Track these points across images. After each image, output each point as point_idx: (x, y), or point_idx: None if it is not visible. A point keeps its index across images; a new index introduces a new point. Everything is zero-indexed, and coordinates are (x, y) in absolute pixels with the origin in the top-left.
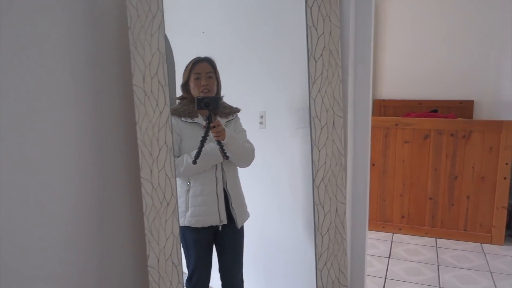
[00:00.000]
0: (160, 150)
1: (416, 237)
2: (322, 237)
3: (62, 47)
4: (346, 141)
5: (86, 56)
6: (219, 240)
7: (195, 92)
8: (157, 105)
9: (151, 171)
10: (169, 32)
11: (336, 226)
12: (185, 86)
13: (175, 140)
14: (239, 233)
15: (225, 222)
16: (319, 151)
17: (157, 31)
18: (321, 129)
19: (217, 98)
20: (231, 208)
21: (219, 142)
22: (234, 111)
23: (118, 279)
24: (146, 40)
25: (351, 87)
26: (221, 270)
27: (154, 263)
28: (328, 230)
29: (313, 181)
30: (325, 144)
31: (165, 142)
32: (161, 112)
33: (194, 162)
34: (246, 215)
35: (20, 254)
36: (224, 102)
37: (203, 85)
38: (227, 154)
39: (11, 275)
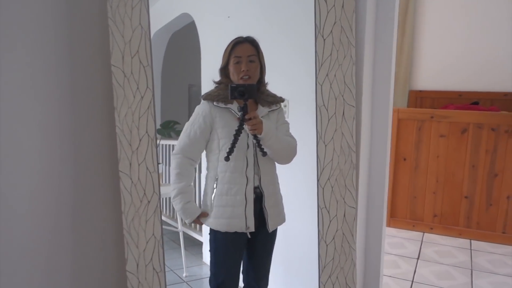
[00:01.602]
0: (140, 140)
1: (449, 238)
2: (327, 246)
3: (31, 22)
4: (359, 135)
5: (58, 32)
6: (251, 244)
7: (234, 78)
8: (137, 88)
9: (130, 164)
10: (195, 15)
11: (343, 233)
12: (224, 70)
13: (200, 129)
14: (271, 238)
15: (252, 229)
16: (326, 146)
17: (139, 3)
18: (329, 120)
19: (253, 86)
20: (264, 208)
21: (255, 136)
22: (278, 100)
23: (95, 285)
24: (126, 14)
25: (367, 71)
26: (245, 274)
27: (133, 269)
28: (333, 238)
29: (318, 180)
30: (332, 137)
31: (147, 132)
32: (142, 97)
33: (227, 158)
34: (280, 219)
35: None
36: (267, 90)
37: (243, 70)
38: (264, 150)
39: None
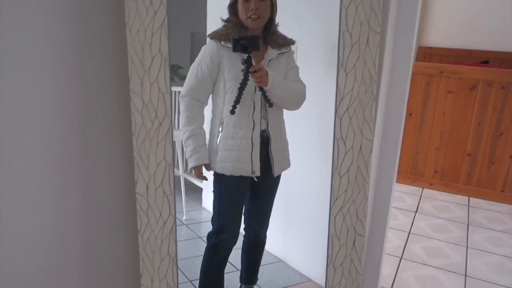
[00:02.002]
0: (153, 59)
1: (448, 194)
2: (341, 177)
3: None
4: (381, 64)
5: None
6: (254, 188)
7: (242, 16)
8: (151, 3)
9: (142, 84)
10: None
11: (358, 166)
12: (232, 7)
13: (208, 69)
14: (275, 182)
15: (257, 173)
16: (347, 74)
17: None
18: (352, 46)
19: (257, 38)
20: (269, 153)
21: (261, 88)
22: (289, 42)
23: (104, 205)
24: None
25: None
26: (246, 216)
27: (142, 191)
28: (348, 170)
29: (336, 111)
30: (354, 66)
31: (160, 50)
32: (155, 12)
33: (232, 111)
34: (285, 164)
35: None
36: (278, 31)
37: (252, 9)
38: (270, 101)
39: None
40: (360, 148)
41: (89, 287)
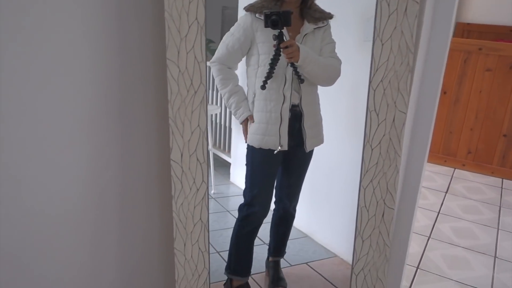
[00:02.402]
0: (190, 27)
1: (480, 175)
2: (372, 150)
3: None
4: (419, 35)
5: None
6: (287, 161)
7: None
8: None
9: (178, 53)
10: None
11: (390, 138)
12: None
13: (239, 41)
14: (307, 157)
15: (285, 147)
16: (382, 44)
17: None
18: (389, 16)
19: (288, 12)
20: (302, 128)
21: (292, 64)
22: (326, 16)
23: (140, 171)
24: None
25: None
26: (277, 189)
27: (177, 158)
28: (379, 143)
29: (370, 82)
30: (391, 36)
31: (196, 18)
32: None
33: (263, 87)
34: (318, 140)
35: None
36: (315, 5)
37: None
38: (301, 78)
39: None
40: (393, 120)
41: (124, 250)
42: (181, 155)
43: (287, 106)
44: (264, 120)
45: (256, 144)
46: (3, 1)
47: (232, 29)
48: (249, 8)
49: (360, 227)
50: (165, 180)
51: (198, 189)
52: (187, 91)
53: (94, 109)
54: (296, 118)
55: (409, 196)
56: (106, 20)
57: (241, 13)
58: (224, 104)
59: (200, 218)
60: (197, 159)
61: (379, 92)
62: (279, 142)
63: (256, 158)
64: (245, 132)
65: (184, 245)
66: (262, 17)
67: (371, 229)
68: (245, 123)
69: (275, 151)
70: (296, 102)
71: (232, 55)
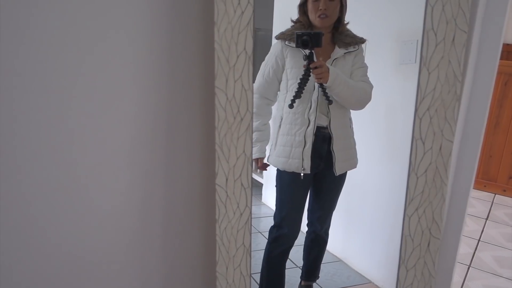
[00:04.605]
0: (238, 57)
1: None
2: (418, 178)
3: None
4: (467, 64)
5: None
6: (317, 184)
7: (312, 16)
8: (239, 3)
9: (227, 81)
10: None
11: (437, 167)
12: (302, 7)
13: (273, 69)
14: (338, 181)
15: (308, 171)
16: (429, 73)
17: None
18: (436, 45)
19: (319, 34)
20: (332, 151)
21: (321, 85)
22: (358, 41)
23: (186, 195)
24: None
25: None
26: (309, 212)
27: (222, 182)
28: (426, 171)
29: (416, 110)
30: (438, 65)
31: (245, 48)
32: (242, 12)
33: (291, 106)
34: (350, 164)
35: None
36: (347, 30)
37: (320, 9)
38: (330, 99)
39: None
40: (440, 149)
41: (168, 272)
42: (226, 180)
43: (311, 129)
44: (288, 144)
45: (280, 167)
46: (68, 43)
47: (266, 58)
48: (279, 36)
49: (404, 256)
50: (209, 205)
51: (241, 214)
52: (233, 118)
53: (143, 137)
54: (324, 141)
55: (454, 225)
56: (158, 51)
57: (276, 33)
58: None
59: (243, 243)
60: (242, 184)
61: (426, 121)
62: (301, 165)
63: (284, 180)
64: (261, 167)
65: (226, 269)
66: (291, 44)
67: (416, 259)
68: (255, 161)
69: (301, 175)
70: (325, 124)
71: (269, 84)
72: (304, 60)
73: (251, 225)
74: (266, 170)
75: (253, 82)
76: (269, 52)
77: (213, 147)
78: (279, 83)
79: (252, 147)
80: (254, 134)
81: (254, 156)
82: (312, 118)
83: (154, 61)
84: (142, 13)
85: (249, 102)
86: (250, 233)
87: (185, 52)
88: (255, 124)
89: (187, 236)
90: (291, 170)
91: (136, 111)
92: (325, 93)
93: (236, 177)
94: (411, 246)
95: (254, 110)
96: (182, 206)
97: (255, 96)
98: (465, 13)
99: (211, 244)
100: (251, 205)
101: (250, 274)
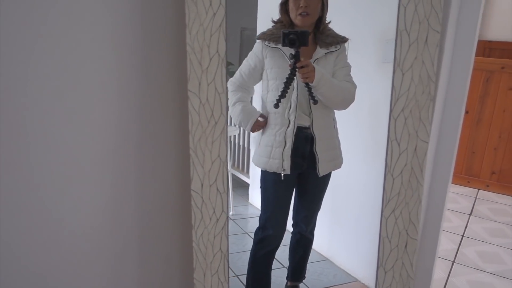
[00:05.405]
0: (211, 59)
1: (506, 197)
2: (394, 179)
3: None
4: (440, 64)
5: None
6: (301, 185)
7: (292, 15)
8: (210, 5)
9: (200, 84)
10: None
11: (412, 168)
12: (284, 6)
13: (250, 67)
14: (321, 182)
15: (287, 171)
16: (403, 74)
17: None
18: (409, 46)
19: (306, 33)
20: (314, 152)
21: (307, 84)
22: (339, 40)
23: (161, 201)
24: None
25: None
26: (294, 212)
27: (197, 187)
28: (401, 172)
29: (391, 112)
30: (411, 66)
31: (217, 51)
32: (214, 14)
33: (276, 105)
34: (333, 164)
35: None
36: (328, 30)
37: (301, 6)
38: (315, 98)
39: None
40: (415, 150)
41: (144, 281)
42: (202, 185)
43: (291, 129)
44: (269, 144)
45: (262, 167)
46: (37, 49)
47: (248, 56)
48: (260, 36)
49: (382, 258)
50: (185, 210)
51: (218, 219)
52: (207, 122)
53: (116, 141)
54: (307, 141)
55: (432, 226)
56: (129, 56)
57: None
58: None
59: (220, 248)
60: (217, 189)
61: (400, 122)
62: (281, 166)
63: (267, 181)
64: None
65: (204, 275)
66: (271, 44)
67: (394, 260)
68: (255, 126)
69: (282, 176)
70: (307, 124)
71: (244, 79)
72: (290, 59)
73: (228, 230)
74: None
75: (227, 85)
76: (251, 51)
77: (188, 151)
78: (254, 81)
79: (227, 152)
80: (237, 104)
81: (249, 126)
82: (292, 118)
83: (125, 66)
84: (112, 17)
85: (223, 106)
86: (228, 239)
87: (158, 56)
88: (236, 95)
89: (163, 243)
90: (272, 170)
91: (108, 116)
92: (310, 93)
93: (212, 182)
94: (389, 247)
95: (231, 89)
96: (158, 212)
97: (229, 88)
98: (438, 13)
99: (188, 250)
100: (227, 210)
101: (228, 280)
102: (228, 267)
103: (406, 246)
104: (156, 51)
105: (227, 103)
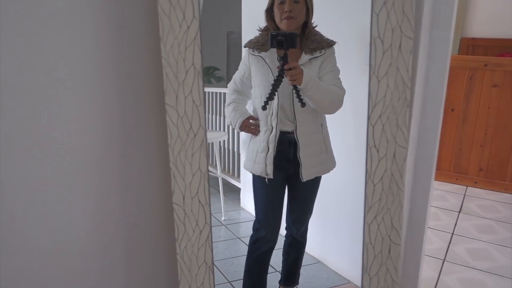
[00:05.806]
0: (187, 72)
1: (494, 193)
2: (374, 186)
3: None
4: (415, 69)
5: None
6: (290, 188)
7: (277, 19)
8: (184, 18)
9: (177, 97)
10: None
11: (392, 174)
12: (269, 12)
13: (240, 74)
14: (309, 186)
15: (270, 176)
16: (379, 81)
17: None
18: (383, 53)
19: (294, 35)
20: (298, 158)
21: (295, 87)
22: (324, 45)
23: (143, 215)
24: None
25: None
26: (287, 216)
27: (179, 200)
28: (381, 179)
29: (368, 118)
30: (386, 72)
31: (193, 64)
32: (188, 27)
33: (264, 107)
34: (321, 169)
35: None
36: (314, 35)
37: (286, 11)
38: (303, 101)
39: None
40: (394, 155)
41: None
42: (183, 198)
43: (274, 135)
44: (255, 148)
45: (249, 170)
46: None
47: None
48: (246, 44)
49: (366, 264)
50: (169, 223)
51: (201, 231)
52: (186, 134)
53: (96, 158)
54: (290, 145)
55: (416, 230)
56: (106, 70)
57: (245, 37)
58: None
59: (205, 260)
60: (199, 202)
61: (378, 128)
62: (265, 170)
63: (257, 183)
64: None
65: (189, 287)
66: (255, 53)
67: (378, 266)
68: (245, 123)
69: (266, 179)
70: (290, 129)
71: (237, 85)
72: (279, 61)
73: (212, 242)
74: (253, 127)
75: (204, 97)
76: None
77: (168, 165)
78: (247, 88)
79: (206, 162)
80: (232, 104)
81: (237, 124)
82: (273, 124)
83: (105, 80)
84: (89, 32)
85: (201, 118)
86: (212, 250)
87: (135, 70)
88: (232, 97)
89: (147, 256)
90: (257, 174)
91: (89, 132)
92: (298, 95)
93: (193, 194)
94: (373, 253)
95: (226, 97)
96: (141, 226)
97: (227, 90)
98: (410, 20)
99: (173, 263)
100: (210, 222)
101: None
102: (214, 279)
103: (389, 252)
104: (134, 65)
105: (205, 116)
